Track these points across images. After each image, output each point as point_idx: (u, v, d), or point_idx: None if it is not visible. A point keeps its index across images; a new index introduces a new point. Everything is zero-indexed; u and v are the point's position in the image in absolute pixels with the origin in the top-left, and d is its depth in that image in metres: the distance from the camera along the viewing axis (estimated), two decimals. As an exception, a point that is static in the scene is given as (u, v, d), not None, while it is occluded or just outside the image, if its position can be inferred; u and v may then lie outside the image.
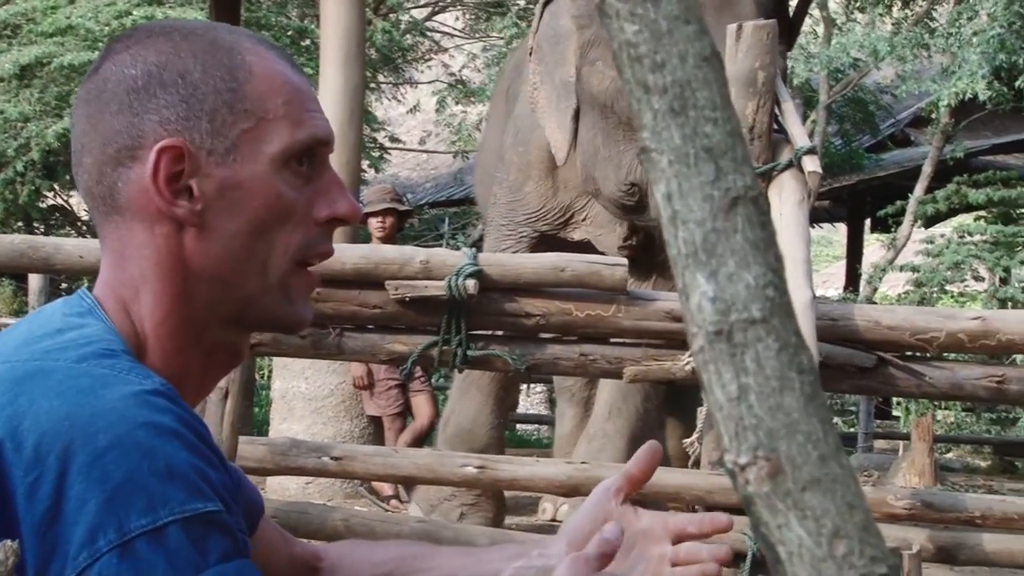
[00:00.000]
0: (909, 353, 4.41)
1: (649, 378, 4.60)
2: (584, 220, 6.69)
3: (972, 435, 14.10)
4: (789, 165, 4.49)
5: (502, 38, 17.21)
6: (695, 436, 4.57)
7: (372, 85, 17.71)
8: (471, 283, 4.33)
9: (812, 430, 0.75)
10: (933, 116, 15.06)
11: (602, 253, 5.97)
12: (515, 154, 6.82)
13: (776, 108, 4.62)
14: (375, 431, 7.97)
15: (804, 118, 13.40)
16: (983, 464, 12.44)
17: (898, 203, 15.11)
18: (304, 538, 4.47)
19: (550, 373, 5.47)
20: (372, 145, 17.60)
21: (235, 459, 4.47)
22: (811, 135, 13.27)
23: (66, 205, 18.46)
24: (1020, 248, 13.65)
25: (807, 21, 15.91)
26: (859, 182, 16.54)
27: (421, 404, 7.93)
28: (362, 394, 7.87)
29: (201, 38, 1.34)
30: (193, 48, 1.32)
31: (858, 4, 15.84)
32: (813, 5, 15.25)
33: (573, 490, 4.55)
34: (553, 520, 6.95)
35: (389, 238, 7.65)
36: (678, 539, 1.48)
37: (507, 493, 6.74)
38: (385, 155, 18.64)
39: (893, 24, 15.12)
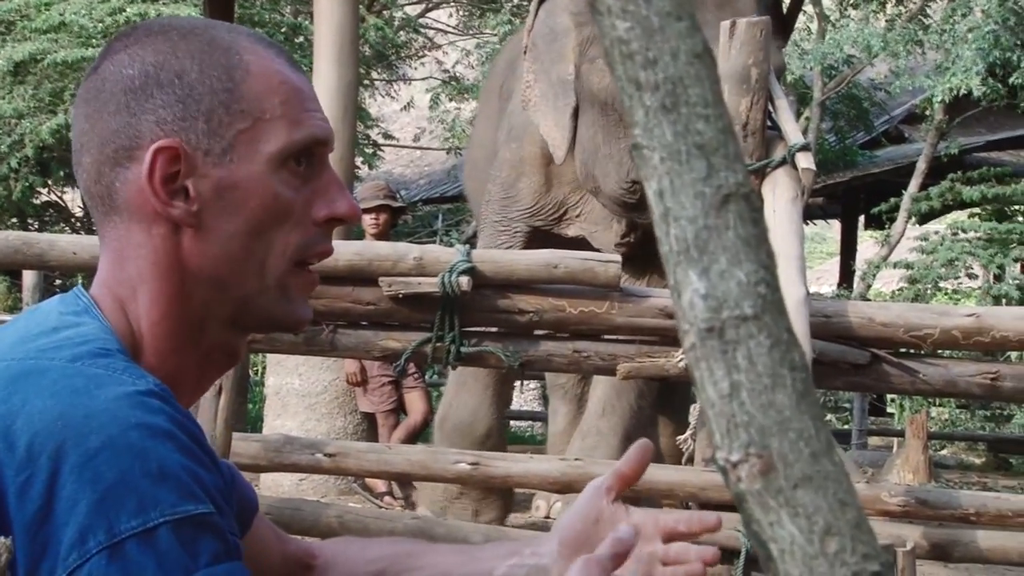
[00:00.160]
0: (903, 350, 4.42)
1: (642, 375, 4.60)
2: (578, 216, 6.68)
3: (966, 432, 14.12)
4: (783, 162, 4.49)
5: (496, 34, 17.19)
6: (688, 433, 4.57)
7: (366, 82, 17.70)
8: (464, 280, 4.33)
9: (804, 427, 0.75)
10: (927, 113, 15.07)
11: (597, 250, 5.96)
12: (508, 151, 6.81)
13: (770, 105, 4.62)
14: (369, 428, 7.96)
15: (798, 115, 13.42)
16: (977, 461, 12.45)
17: (892, 200, 15.10)
18: (298, 535, 4.47)
19: (543, 370, 5.46)
20: (366, 142, 17.58)
21: (229, 455, 4.47)
22: (805, 132, 13.28)
23: (60, 201, 18.44)
24: (1014, 245, 13.65)
25: (801, 18, 15.93)
26: (853, 179, 16.54)
27: (415, 401, 7.93)
28: (356, 391, 7.87)
29: (199, 37, 1.33)
30: (190, 48, 1.32)
31: (852, 1, 15.83)
32: (807, 1, 15.27)
33: (567, 487, 4.55)
34: (547, 517, 6.95)
35: (383, 235, 7.64)
36: (668, 538, 1.48)
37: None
38: (379, 152, 18.62)
39: (887, 21, 15.11)
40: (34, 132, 14.29)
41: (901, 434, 10.63)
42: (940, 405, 14.81)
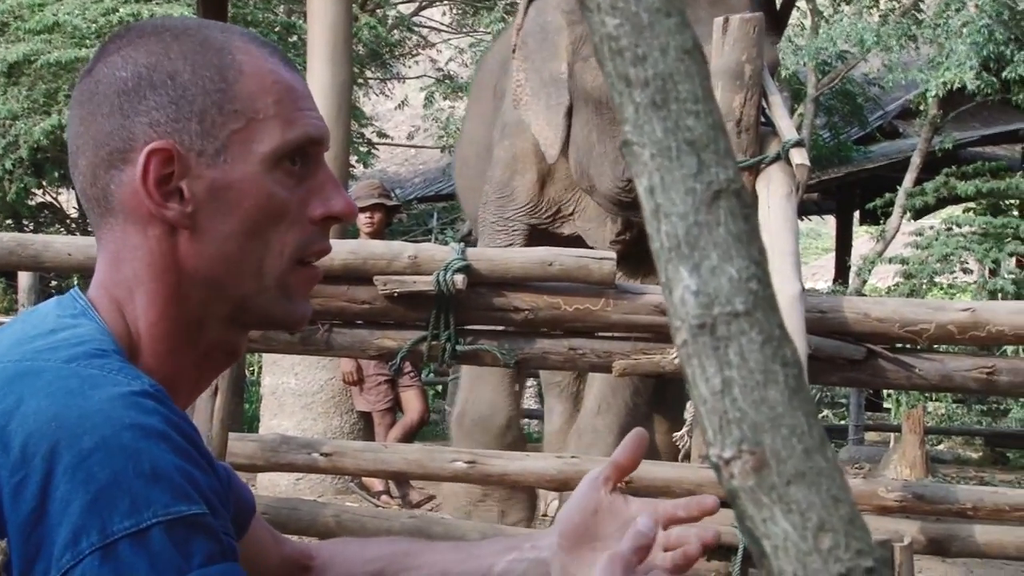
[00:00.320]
0: (899, 345, 4.42)
1: (638, 372, 4.60)
2: (572, 214, 6.66)
3: (963, 427, 14.12)
4: (777, 158, 4.49)
5: (489, 32, 17.19)
6: (685, 430, 4.57)
7: (360, 81, 17.69)
8: (459, 278, 4.32)
9: (797, 423, 0.75)
10: (921, 108, 15.07)
11: (592, 247, 5.96)
12: (501, 149, 6.79)
13: (763, 101, 4.62)
14: (365, 427, 7.97)
15: (792, 111, 13.43)
16: (974, 455, 12.46)
17: (887, 195, 15.11)
18: (295, 534, 4.48)
19: (539, 367, 5.46)
20: (360, 140, 17.58)
21: (225, 455, 4.46)
22: (799, 128, 13.29)
23: (55, 203, 18.43)
24: (1009, 239, 13.65)
25: (794, 13, 15.94)
26: (848, 174, 16.56)
27: (411, 399, 7.93)
28: (352, 390, 7.87)
29: (192, 38, 1.33)
30: (183, 49, 1.32)
31: (845, -5, 15.86)
32: (801, -3, 15.29)
33: (564, 484, 4.54)
34: (543, 515, 6.94)
35: (377, 233, 7.65)
36: (668, 524, 1.48)
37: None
38: (373, 150, 18.62)
39: (880, 16, 15.11)
40: (28, 133, 14.28)
41: (898, 429, 10.64)
42: (937, 400, 14.82)
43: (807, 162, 4.47)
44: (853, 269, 16.01)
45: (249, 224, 1.31)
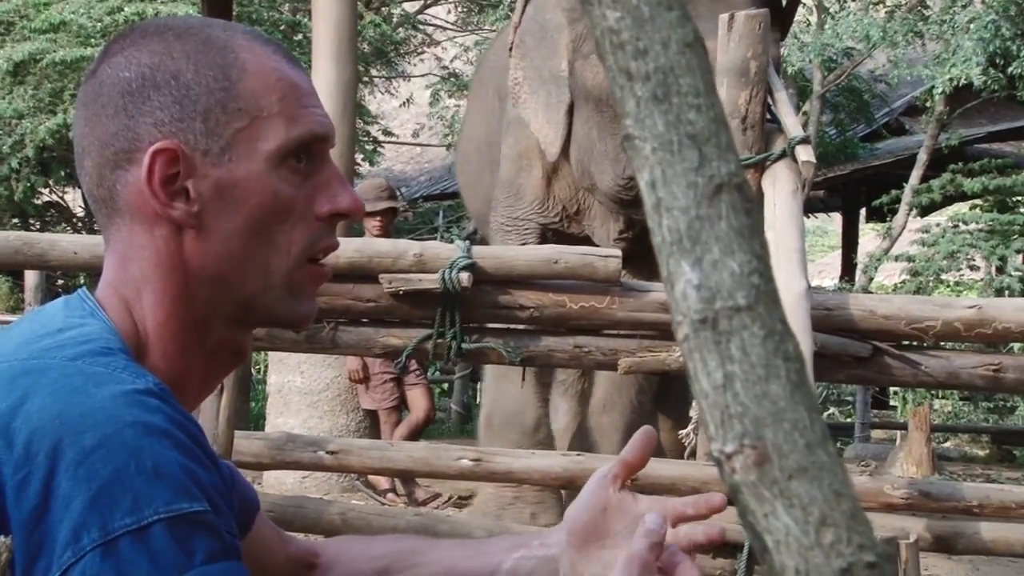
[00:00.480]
0: (905, 342, 4.41)
1: (643, 369, 4.59)
2: (578, 213, 6.65)
3: (969, 424, 14.12)
4: (782, 155, 4.48)
5: (494, 31, 17.17)
6: (690, 427, 4.56)
7: (365, 79, 17.70)
8: (465, 276, 4.32)
9: (798, 418, 0.75)
10: (928, 104, 15.07)
11: (598, 245, 5.95)
12: (507, 147, 6.78)
13: (769, 98, 4.62)
14: (371, 425, 7.97)
15: (798, 108, 13.41)
16: (981, 453, 12.45)
17: (893, 192, 15.11)
18: (301, 532, 4.48)
19: (544, 365, 5.45)
20: (366, 139, 17.59)
21: (231, 454, 4.47)
22: (805, 125, 13.29)
23: (61, 201, 18.45)
24: (1016, 236, 13.64)
25: (800, 10, 15.92)
26: (854, 171, 16.54)
27: (417, 397, 7.94)
28: (358, 388, 7.87)
29: (194, 37, 1.33)
30: (186, 48, 1.32)
31: (851, -8, 15.85)
32: (807, -6, 15.26)
33: (569, 482, 4.54)
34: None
35: (384, 235, 7.65)
36: (677, 522, 1.48)
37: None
38: (379, 148, 18.63)
39: (887, 12, 15.11)
40: (34, 132, 14.31)
41: (904, 427, 10.63)
42: (943, 397, 14.81)
43: (813, 159, 4.46)
44: (859, 266, 16.04)
45: (255, 222, 1.31)
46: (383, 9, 18.16)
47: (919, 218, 16.07)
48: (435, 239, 15.62)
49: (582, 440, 6.58)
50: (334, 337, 4.58)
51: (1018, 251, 13.83)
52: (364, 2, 16.14)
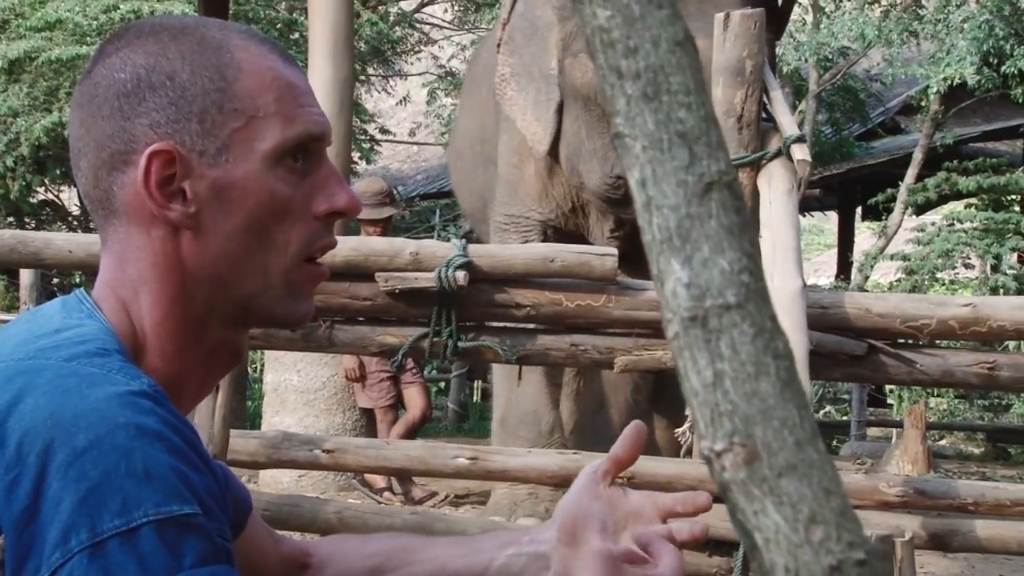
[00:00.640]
0: (900, 341, 4.42)
1: (639, 368, 4.60)
2: (572, 210, 6.64)
3: (965, 422, 14.13)
4: (778, 154, 4.49)
5: (491, 29, 17.18)
6: (687, 426, 4.57)
7: (362, 77, 17.69)
8: (461, 274, 4.33)
9: (788, 416, 0.75)
10: (923, 104, 15.08)
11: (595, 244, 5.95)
12: (503, 144, 6.77)
13: (764, 97, 4.62)
14: (367, 423, 7.97)
15: (794, 107, 13.42)
16: (976, 451, 12.46)
17: (889, 191, 15.13)
18: (297, 531, 4.49)
19: (541, 364, 5.45)
20: (363, 137, 17.59)
21: (227, 452, 4.47)
22: (801, 124, 13.29)
23: (57, 200, 18.44)
24: (1010, 235, 13.66)
25: (795, 9, 15.93)
26: (850, 170, 16.57)
27: (413, 396, 7.93)
28: (354, 386, 7.87)
29: (189, 37, 1.33)
30: (181, 48, 1.32)
31: (847, -9, 15.86)
32: (802, -7, 15.27)
33: (565, 481, 4.54)
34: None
35: (382, 236, 7.65)
36: (666, 517, 1.48)
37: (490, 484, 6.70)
38: (376, 147, 18.63)
39: (882, 11, 15.12)
40: (29, 131, 14.29)
41: (900, 425, 10.63)
42: (939, 395, 14.82)
43: (808, 158, 4.47)
44: (855, 265, 16.04)
45: (252, 222, 1.31)
46: (380, 7, 18.15)
47: (914, 217, 16.09)
48: (432, 238, 15.62)
49: (579, 438, 6.58)
50: (330, 336, 4.58)
51: (1013, 249, 13.85)
52: (361, 0, 16.14)
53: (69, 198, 18.46)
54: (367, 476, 7.64)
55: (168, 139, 1.29)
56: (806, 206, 20.25)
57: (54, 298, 1.44)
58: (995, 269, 14.40)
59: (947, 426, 13.66)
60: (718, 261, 0.76)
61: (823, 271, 26.72)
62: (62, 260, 4.58)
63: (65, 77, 14.25)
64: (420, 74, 20.11)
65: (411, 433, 7.79)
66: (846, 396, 14.84)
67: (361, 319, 4.62)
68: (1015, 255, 14.50)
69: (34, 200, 17.06)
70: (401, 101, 19.72)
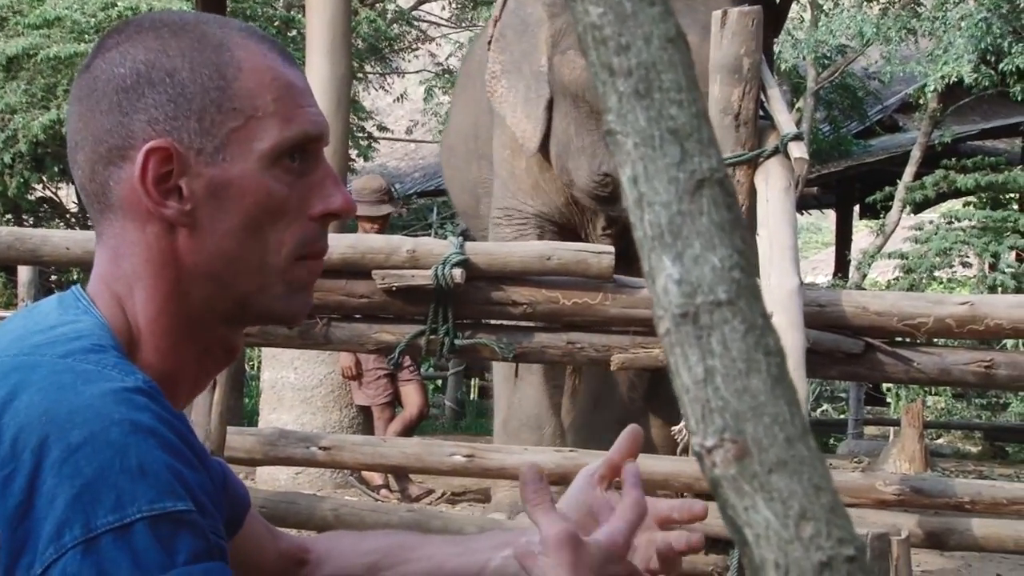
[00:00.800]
0: (897, 339, 4.42)
1: (636, 365, 4.60)
2: (566, 205, 6.63)
3: (962, 421, 14.13)
4: (775, 151, 4.49)
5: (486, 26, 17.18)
6: (683, 423, 4.56)
7: (359, 75, 17.68)
8: (458, 272, 4.33)
9: (779, 412, 0.75)
10: (921, 101, 15.08)
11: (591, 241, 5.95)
12: (497, 138, 6.76)
13: (762, 94, 4.62)
14: (364, 421, 7.97)
15: (791, 105, 13.42)
16: (973, 450, 12.47)
17: (887, 189, 15.13)
18: (294, 528, 4.48)
19: (537, 361, 5.45)
20: (361, 135, 17.59)
21: (224, 449, 4.47)
22: (799, 122, 13.30)
23: (55, 197, 18.42)
24: (1008, 233, 13.65)
25: (794, 7, 15.93)
26: (847, 168, 16.56)
27: (410, 393, 7.93)
28: (351, 384, 7.87)
29: (189, 34, 1.32)
30: (181, 45, 1.31)
31: (845, -11, 15.86)
32: (800, -9, 15.27)
33: (562, 479, 4.53)
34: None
35: (380, 233, 7.66)
36: (663, 524, 1.48)
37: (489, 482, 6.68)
38: (373, 144, 18.62)
39: (880, 9, 15.12)
40: (27, 128, 14.27)
41: (897, 423, 10.63)
42: (936, 394, 14.82)
43: (806, 156, 4.47)
44: (853, 263, 16.04)
45: (248, 221, 1.31)
46: (377, 5, 18.15)
47: (912, 215, 16.08)
48: (429, 235, 15.62)
49: (576, 436, 6.58)
50: (327, 333, 4.58)
51: (1011, 248, 13.84)
52: (358, -2, 16.15)
53: (67, 195, 18.44)
54: (364, 473, 7.63)
55: (166, 136, 1.29)
56: (804, 204, 20.27)
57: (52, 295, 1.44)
58: (993, 267, 14.40)
59: (944, 425, 13.66)
60: (709, 258, 0.76)
61: (821, 269, 26.72)
62: (60, 257, 4.58)
63: (63, 74, 14.23)
64: (417, 72, 20.11)
65: (408, 430, 7.79)
66: (843, 394, 14.85)
67: (358, 316, 4.62)
68: (1013, 253, 14.50)
69: (32, 197, 17.04)
70: (398, 98, 19.73)
